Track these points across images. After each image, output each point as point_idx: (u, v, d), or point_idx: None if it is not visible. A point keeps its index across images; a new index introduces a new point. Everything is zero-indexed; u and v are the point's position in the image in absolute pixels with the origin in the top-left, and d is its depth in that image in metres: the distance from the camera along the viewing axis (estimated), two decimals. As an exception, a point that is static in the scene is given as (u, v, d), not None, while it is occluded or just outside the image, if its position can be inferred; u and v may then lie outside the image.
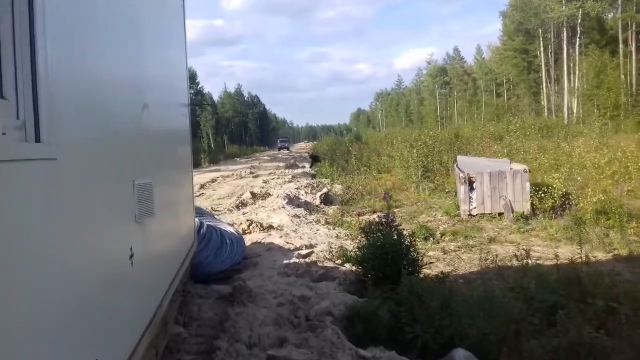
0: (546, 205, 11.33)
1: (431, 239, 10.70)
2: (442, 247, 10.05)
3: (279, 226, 10.63)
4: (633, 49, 45.70)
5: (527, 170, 12.21)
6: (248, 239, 8.91)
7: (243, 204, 13.85)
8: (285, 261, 7.06)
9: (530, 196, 11.63)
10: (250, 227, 9.82)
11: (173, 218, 3.86)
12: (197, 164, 43.39)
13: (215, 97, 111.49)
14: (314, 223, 11.64)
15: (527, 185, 11.96)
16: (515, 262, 8.74)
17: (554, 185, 11.68)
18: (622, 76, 43.65)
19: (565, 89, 51.95)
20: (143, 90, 2.97)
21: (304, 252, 7.64)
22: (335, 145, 32.68)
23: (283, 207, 12.97)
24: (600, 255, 8.79)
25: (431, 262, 8.64)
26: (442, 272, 6.69)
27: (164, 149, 3.62)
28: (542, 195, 11.35)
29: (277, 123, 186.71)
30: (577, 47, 50.54)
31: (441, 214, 13.35)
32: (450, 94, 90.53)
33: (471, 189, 12.38)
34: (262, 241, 8.66)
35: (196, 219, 6.64)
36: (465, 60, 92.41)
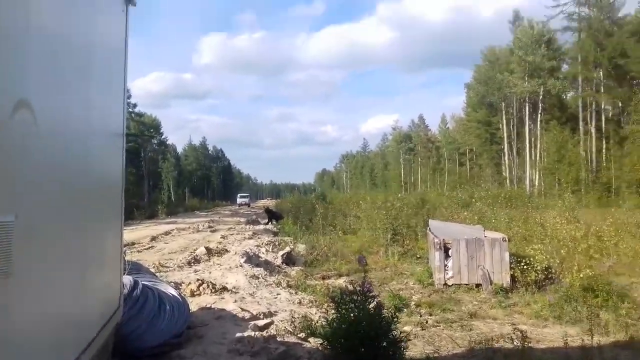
0: (529, 278, 10.37)
1: (405, 310, 9.56)
2: (418, 320, 8.90)
3: (234, 288, 9.31)
4: (592, 127, 47.08)
5: (506, 239, 11.32)
6: (196, 304, 7.57)
7: (196, 261, 12.48)
8: (238, 334, 5.77)
9: (512, 267, 10.67)
10: (200, 288, 8.47)
11: (73, 276, 2.65)
12: (153, 215, 41.53)
13: (180, 149, 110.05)
14: (274, 286, 10.36)
15: (507, 255, 11.05)
16: (503, 343, 7.69)
17: (535, 257, 10.77)
18: (583, 152, 44.62)
19: (527, 161, 52.87)
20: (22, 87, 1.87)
21: (261, 322, 6.36)
22: (300, 202, 31.62)
23: (240, 266, 11.67)
24: (595, 339, 7.77)
25: (409, 339, 7.48)
26: (427, 357, 5.53)
27: (61, 180, 2.44)
28: (524, 267, 10.40)
29: (242, 179, 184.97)
30: (538, 122, 51.86)
31: (413, 281, 12.26)
32: (414, 160, 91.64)
33: (446, 256, 11.38)
34: (213, 306, 7.33)
35: (129, 278, 5.35)
36: (430, 128, 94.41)
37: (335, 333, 5.43)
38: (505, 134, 59.37)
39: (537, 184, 49.98)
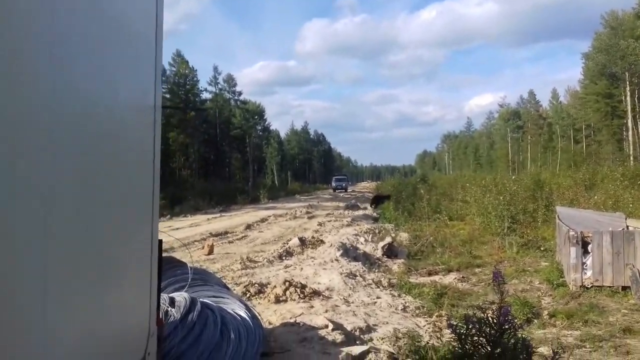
0: None
1: (535, 321, 7.76)
2: (555, 335, 7.09)
3: (327, 289, 8.02)
4: None
5: (666, 232, 9.03)
6: (280, 315, 6.34)
7: (288, 254, 11.38)
8: (324, 368, 4.42)
9: (675, 268, 8.44)
10: (287, 292, 7.24)
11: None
12: (255, 199, 41.68)
13: (283, 135, 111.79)
14: (373, 286, 8.95)
15: (666, 251, 8.80)
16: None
17: None
18: None
19: (656, 136, 47.14)
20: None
21: (356, 350, 4.96)
22: (401, 186, 29.82)
23: (336, 260, 10.39)
24: None
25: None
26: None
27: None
28: (696, 268, 8.14)
29: (342, 161, 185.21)
30: (675, 91, 46.04)
31: (539, 280, 10.32)
32: (523, 139, 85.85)
33: (584, 252, 9.32)
34: (299, 320, 6.04)
35: (184, 296, 4.16)
36: (541, 104, 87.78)
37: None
38: (629, 107, 53.27)
39: (666, 161, 44.47)
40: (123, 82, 2.47)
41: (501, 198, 14.72)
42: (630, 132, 54.36)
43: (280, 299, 7.09)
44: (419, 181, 30.89)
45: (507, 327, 3.92)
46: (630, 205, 15.86)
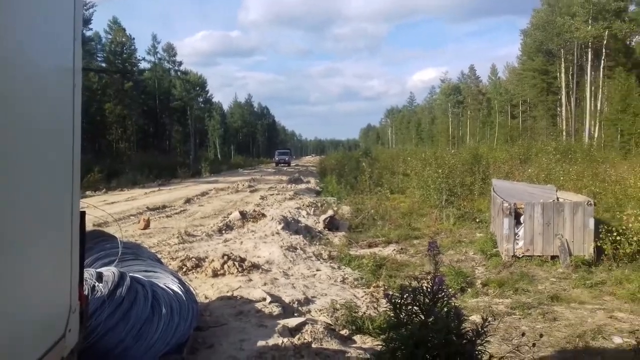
0: (625, 251, 8.58)
1: (469, 290, 8.01)
2: (487, 304, 7.34)
3: (266, 263, 7.96)
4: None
5: (592, 203, 9.46)
6: (217, 289, 6.23)
7: (228, 227, 11.21)
8: (260, 341, 4.36)
9: (601, 237, 8.87)
10: (225, 266, 7.12)
11: None
12: (196, 174, 40.89)
13: (225, 107, 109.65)
14: (313, 258, 8.97)
15: (592, 222, 9.25)
16: (603, 342, 6.06)
17: (628, 226, 8.92)
18: (649, 101, 40.93)
19: (587, 112, 49.20)
20: None
21: (293, 322, 4.93)
22: (344, 159, 29.97)
23: (277, 234, 10.33)
24: None
25: (486, 336, 5.97)
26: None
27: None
28: (617, 237, 8.59)
29: (286, 135, 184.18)
30: (601, 70, 47.93)
31: (474, 250, 10.65)
32: (463, 114, 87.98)
33: (516, 222, 9.65)
34: (236, 293, 5.96)
35: (112, 270, 3.98)
36: (481, 79, 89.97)
37: (393, 344, 3.94)
38: (563, 83, 55.36)
39: (596, 135, 46.58)
40: (35, 39, 2.26)
41: (440, 171, 15.02)
42: (563, 108, 56.64)
43: (218, 273, 6.97)
44: (362, 155, 31.10)
45: (440, 296, 3.97)
46: (561, 178, 16.56)
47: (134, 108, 55.63)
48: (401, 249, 10.85)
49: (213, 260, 7.22)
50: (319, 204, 15.82)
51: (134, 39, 57.10)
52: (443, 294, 4.09)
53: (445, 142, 76.18)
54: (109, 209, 13.82)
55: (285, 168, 55.84)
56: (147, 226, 11.37)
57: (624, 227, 8.84)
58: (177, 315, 4.05)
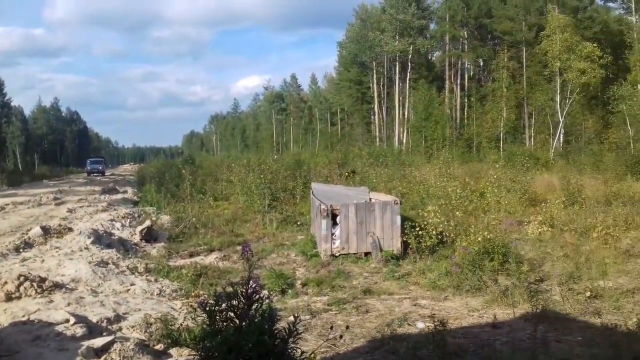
0: (426, 244, 9.43)
1: (289, 291, 8.14)
2: (306, 303, 7.52)
3: (72, 281, 7.23)
4: (457, 86, 49.01)
5: (398, 202, 10.29)
6: (10, 314, 5.47)
7: (28, 245, 10.01)
8: (57, 369, 3.89)
9: (406, 232, 9.66)
10: (22, 288, 6.29)
11: None
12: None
13: (28, 112, 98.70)
14: (127, 273, 8.40)
15: (399, 219, 10.06)
16: (408, 328, 6.56)
17: (429, 221, 9.85)
18: (448, 110, 46.30)
19: (396, 120, 53.93)
20: None
21: (98, 342, 4.50)
22: (165, 167, 28.83)
23: (86, 249, 9.50)
24: (499, 311, 6.93)
25: (300, 334, 6.07)
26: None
27: None
28: (419, 232, 9.42)
29: (100, 142, 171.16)
30: (407, 81, 52.91)
31: (295, 252, 10.92)
32: (286, 121, 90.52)
33: (333, 223, 10.11)
34: (33, 317, 5.28)
35: None
36: (302, 88, 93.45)
37: (208, 352, 3.78)
38: (375, 93, 60.03)
39: (405, 141, 51.26)
40: None
41: (262, 177, 15.17)
42: (376, 116, 61.31)
43: (13, 296, 6.12)
44: (185, 162, 30.23)
45: (255, 299, 3.91)
46: (374, 180, 17.83)
47: None
48: (224, 256, 10.69)
49: (6, 283, 6.32)
50: (137, 215, 14.95)
51: None
52: (258, 296, 4.04)
53: (270, 148, 77.63)
54: None
55: (99, 178, 51.81)
56: None
57: (425, 223, 9.72)
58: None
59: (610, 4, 43.25)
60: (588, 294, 7.40)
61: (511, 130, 40.86)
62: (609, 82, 32.37)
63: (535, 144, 38.89)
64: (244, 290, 4.02)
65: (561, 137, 35.15)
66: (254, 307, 3.98)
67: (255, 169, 18.96)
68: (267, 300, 4.43)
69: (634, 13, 36.75)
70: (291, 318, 6.09)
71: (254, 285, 4.03)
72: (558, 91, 34.46)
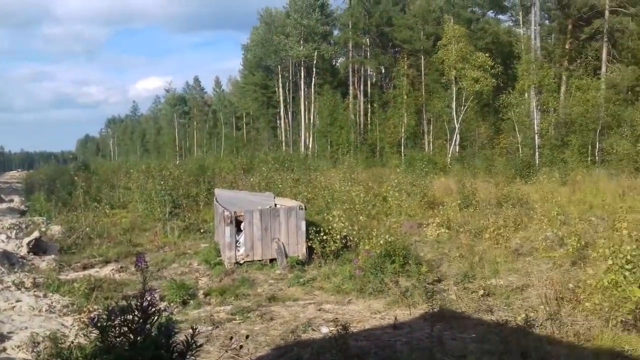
0: (331, 248, 9.52)
1: (191, 302, 7.87)
2: (209, 313, 7.31)
3: (-55, 302, 6.53)
4: (360, 92, 50.23)
5: (303, 207, 10.32)
6: None
7: None
8: None
9: (311, 238, 9.70)
10: None
11: None
12: None
13: None
14: (13, 289, 7.74)
15: (304, 224, 10.09)
16: (312, 333, 6.56)
17: (334, 225, 9.97)
18: (352, 116, 47.29)
19: (302, 125, 54.34)
20: None
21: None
22: (56, 174, 27.01)
23: (-37, 265, 8.62)
24: (400, 312, 7.14)
25: (199, 347, 5.85)
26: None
27: None
28: (324, 237, 9.50)
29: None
30: (312, 87, 53.49)
31: (198, 261, 10.63)
32: (189, 124, 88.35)
33: (238, 230, 9.94)
34: None
35: None
36: (206, 91, 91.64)
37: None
38: (281, 98, 60.05)
39: (310, 146, 51.74)
40: None
41: (162, 183, 14.62)
42: (282, 121, 61.38)
43: None
44: (78, 168, 28.50)
45: (152, 312, 3.71)
46: (280, 185, 17.79)
47: None
48: (121, 267, 10.17)
49: None
50: (24, 225, 13.84)
51: None
52: (154, 309, 3.84)
53: (172, 153, 75.44)
54: None
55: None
56: None
57: (330, 227, 9.82)
58: None
59: (501, 17, 46.39)
60: (481, 292, 7.83)
61: (411, 136, 42.47)
62: (499, 91, 34.46)
63: (433, 149, 40.71)
64: (139, 304, 3.82)
65: (457, 143, 37.03)
66: (149, 320, 3.79)
67: (155, 174, 18.25)
68: (166, 313, 4.23)
69: (521, 25, 39.62)
70: (191, 330, 5.92)
71: (149, 298, 3.84)
72: (454, 98, 36.27)
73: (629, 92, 32.70)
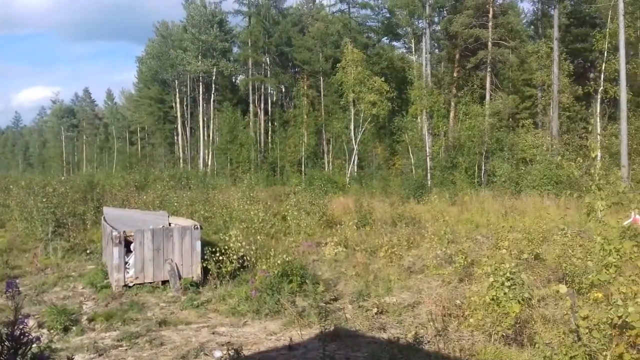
0: (227, 269, 9.30)
1: (74, 328, 7.31)
2: (93, 340, 6.82)
3: None
4: (261, 110, 50.14)
5: (198, 227, 10.02)
6: None
7: None
8: None
9: (205, 258, 9.42)
10: None
11: None
12: None
13: None
14: None
15: (199, 244, 9.79)
16: (205, 357, 6.31)
17: (230, 245, 9.76)
18: (253, 133, 47.04)
19: (201, 141, 53.21)
20: None
21: None
22: None
23: None
24: (296, 333, 7.10)
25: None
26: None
27: None
28: (220, 257, 9.27)
29: None
30: (211, 103, 52.62)
31: (83, 284, 9.94)
32: (78, 138, 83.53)
33: (127, 251, 9.44)
34: None
35: None
36: (97, 103, 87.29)
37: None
38: (178, 113, 58.38)
39: (210, 163, 50.76)
40: None
41: (45, 200, 13.57)
42: (180, 137, 59.70)
43: None
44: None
45: (24, 341, 3.39)
46: (175, 203, 17.20)
47: None
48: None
49: None
50: None
51: None
52: (27, 338, 3.53)
53: (59, 167, 70.87)
54: None
55: None
56: None
57: (227, 247, 9.59)
58: None
59: (395, 43, 48.62)
60: (375, 310, 7.99)
61: (312, 155, 43.03)
62: (394, 114, 36.00)
63: (333, 169, 41.49)
64: (9, 332, 3.49)
65: (355, 163, 38.03)
66: (21, 351, 3.46)
67: (38, 191, 16.94)
68: (43, 341, 3.88)
69: (414, 53, 41.76)
70: (78, 358, 5.51)
71: (21, 326, 3.52)
72: (352, 120, 37.28)
73: (510, 119, 35.58)
